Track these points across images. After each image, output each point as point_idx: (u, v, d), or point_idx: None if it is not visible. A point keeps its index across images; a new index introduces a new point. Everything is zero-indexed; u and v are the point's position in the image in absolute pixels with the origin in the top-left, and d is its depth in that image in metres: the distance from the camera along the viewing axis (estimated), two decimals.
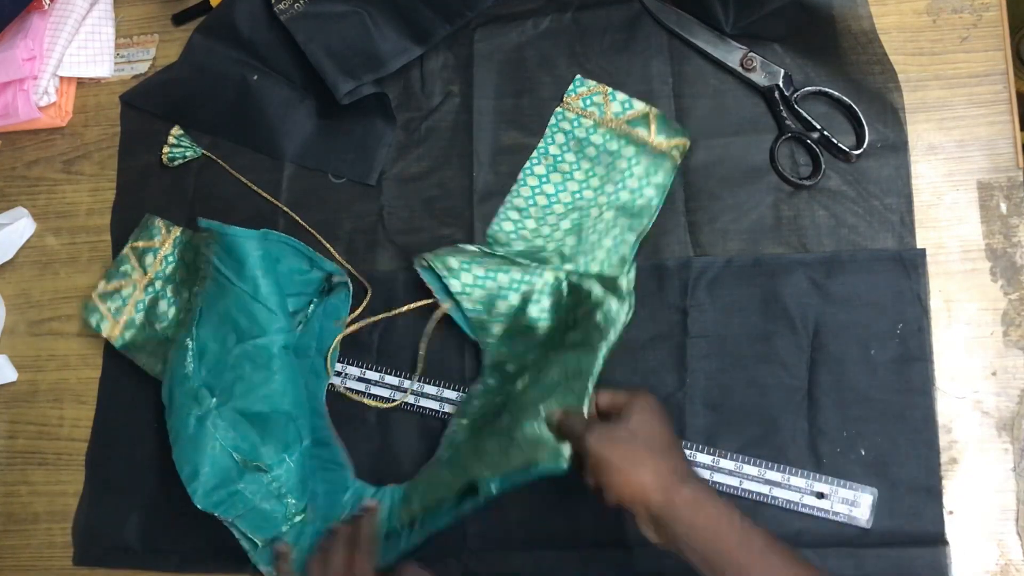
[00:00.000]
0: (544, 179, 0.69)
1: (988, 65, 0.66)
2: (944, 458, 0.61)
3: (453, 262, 0.66)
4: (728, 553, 0.49)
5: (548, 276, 0.66)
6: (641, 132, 0.68)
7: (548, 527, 0.65)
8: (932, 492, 0.61)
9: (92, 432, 0.73)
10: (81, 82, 0.81)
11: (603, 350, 0.61)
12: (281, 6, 0.72)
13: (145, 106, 0.78)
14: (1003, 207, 0.64)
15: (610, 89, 0.69)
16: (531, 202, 0.69)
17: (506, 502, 0.65)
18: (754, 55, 0.67)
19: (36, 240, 0.79)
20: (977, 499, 0.61)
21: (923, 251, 0.64)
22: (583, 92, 0.70)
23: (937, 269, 0.64)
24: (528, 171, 0.70)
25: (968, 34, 0.67)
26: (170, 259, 0.73)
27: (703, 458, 0.63)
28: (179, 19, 0.79)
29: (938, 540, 0.60)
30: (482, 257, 0.67)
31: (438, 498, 0.62)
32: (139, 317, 0.72)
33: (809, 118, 0.66)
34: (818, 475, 0.62)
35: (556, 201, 0.69)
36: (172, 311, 0.71)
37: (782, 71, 0.67)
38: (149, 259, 0.73)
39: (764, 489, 0.62)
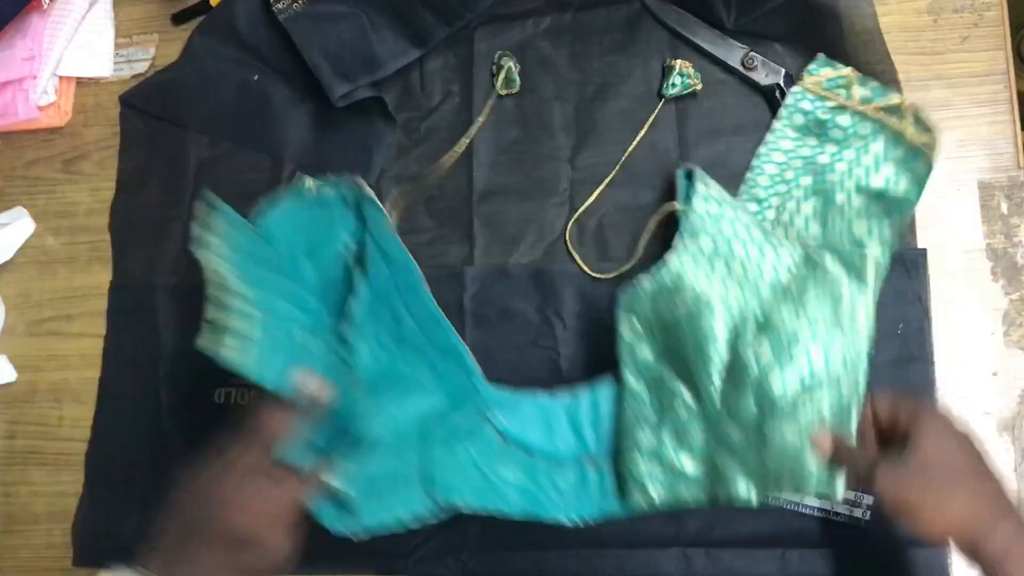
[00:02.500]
0: (784, 167, 0.64)
1: (989, 65, 0.66)
2: None
3: (713, 188, 0.59)
4: None
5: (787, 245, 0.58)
6: (894, 121, 0.61)
7: (548, 527, 0.65)
8: None
9: (92, 432, 0.73)
10: (80, 82, 0.81)
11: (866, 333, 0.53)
12: (280, 5, 0.72)
13: (145, 106, 0.78)
14: (1004, 207, 0.64)
15: (859, 75, 0.63)
16: (771, 191, 0.64)
17: None
18: (755, 54, 0.67)
19: (35, 240, 0.79)
20: None
21: (924, 251, 0.64)
22: (827, 74, 0.64)
23: (937, 269, 0.64)
24: (764, 158, 0.65)
25: (969, 34, 0.66)
26: None
27: None
28: (179, 19, 0.79)
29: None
30: (726, 204, 0.59)
31: (636, 455, 0.56)
32: None
33: None
34: None
35: (796, 185, 0.63)
36: None
37: (783, 70, 0.67)
38: None
39: None
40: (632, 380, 0.59)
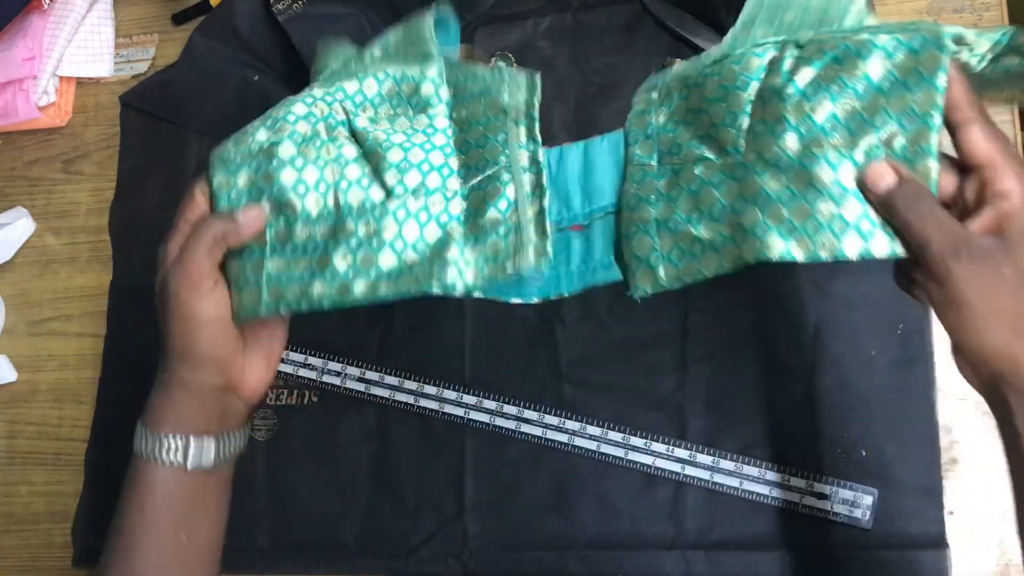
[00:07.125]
0: None
1: None
2: (944, 458, 0.61)
3: None
4: None
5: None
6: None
7: (548, 527, 0.65)
8: (932, 493, 0.61)
9: (92, 432, 0.73)
10: (81, 82, 0.81)
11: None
12: (280, 6, 0.72)
13: (145, 106, 0.78)
14: None
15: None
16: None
17: (505, 500, 0.65)
18: None
19: (36, 240, 0.79)
20: (978, 500, 0.61)
21: None
22: None
23: None
24: None
25: None
26: None
27: (703, 458, 0.63)
28: (179, 19, 0.79)
29: (938, 542, 0.60)
30: None
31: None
32: None
33: None
34: (818, 476, 0.62)
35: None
36: None
37: None
38: None
39: (764, 490, 0.62)
40: (639, 151, 0.49)
